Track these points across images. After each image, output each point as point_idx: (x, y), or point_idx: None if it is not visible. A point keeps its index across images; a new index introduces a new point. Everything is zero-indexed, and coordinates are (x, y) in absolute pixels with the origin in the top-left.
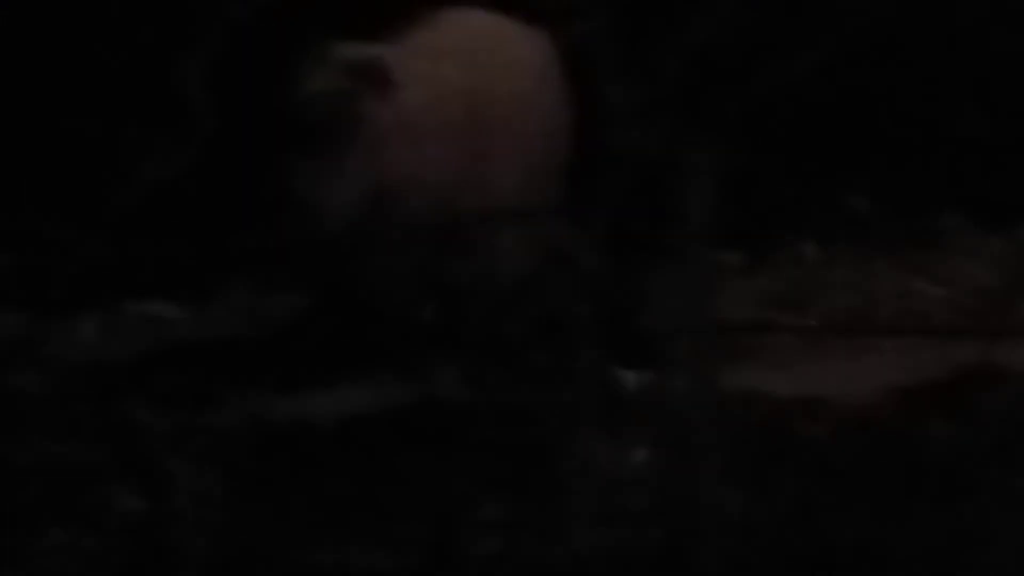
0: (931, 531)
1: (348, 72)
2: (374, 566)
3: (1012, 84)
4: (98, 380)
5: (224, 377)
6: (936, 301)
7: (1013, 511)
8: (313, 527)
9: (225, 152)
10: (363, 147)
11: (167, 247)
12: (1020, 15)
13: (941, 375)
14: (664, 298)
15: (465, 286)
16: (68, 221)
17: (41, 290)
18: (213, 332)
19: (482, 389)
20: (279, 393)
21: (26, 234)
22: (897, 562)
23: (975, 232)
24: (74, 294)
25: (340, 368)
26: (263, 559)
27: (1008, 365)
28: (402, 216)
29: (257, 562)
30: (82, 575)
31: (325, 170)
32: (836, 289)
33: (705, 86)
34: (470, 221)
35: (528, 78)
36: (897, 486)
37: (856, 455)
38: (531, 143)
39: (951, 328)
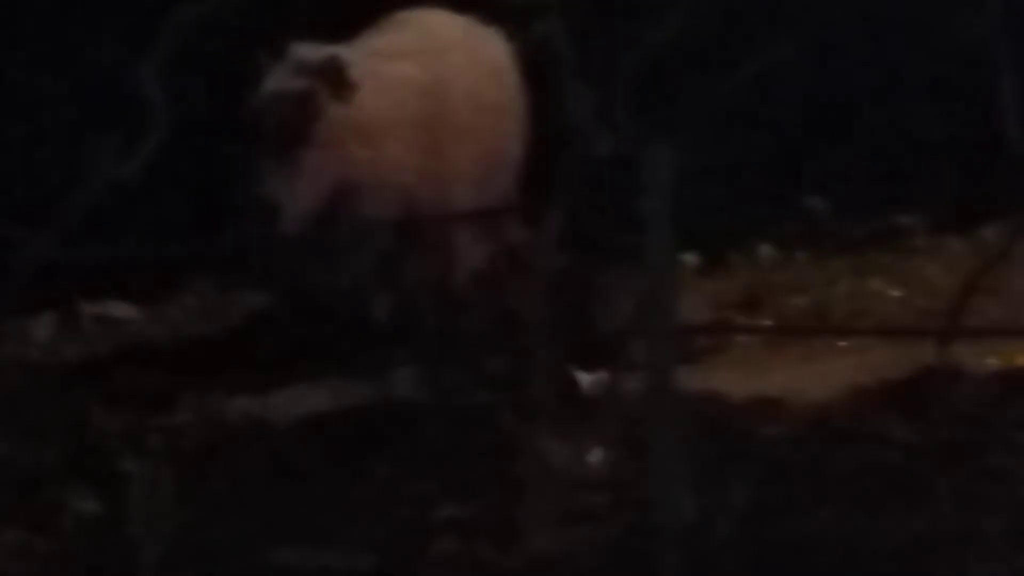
0: (889, 531)
1: (306, 72)
2: (330, 566)
3: (970, 84)
4: (52, 380)
5: (179, 377)
6: (893, 302)
7: (971, 511)
8: (269, 527)
9: (181, 152)
10: (321, 147)
11: (122, 247)
12: (979, 13)
13: (899, 375)
14: (621, 299)
15: (422, 286)
16: (22, 221)
17: None
18: (168, 332)
19: (439, 389)
20: (235, 393)
21: None
22: (855, 562)
23: (932, 233)
24: (28, 294)
25: (296, 368)
26: (219, 560)
27: (965, 365)
28: (359, 216)
29: (213, 563)
30: None
31: (282, 170)
32: (793, 290)
33: (663, 87)
34: (428, 221)
35: (487, 78)
36: (854, 486)
37: (813, 455)
38: (489, 143)
39: (909, 329)
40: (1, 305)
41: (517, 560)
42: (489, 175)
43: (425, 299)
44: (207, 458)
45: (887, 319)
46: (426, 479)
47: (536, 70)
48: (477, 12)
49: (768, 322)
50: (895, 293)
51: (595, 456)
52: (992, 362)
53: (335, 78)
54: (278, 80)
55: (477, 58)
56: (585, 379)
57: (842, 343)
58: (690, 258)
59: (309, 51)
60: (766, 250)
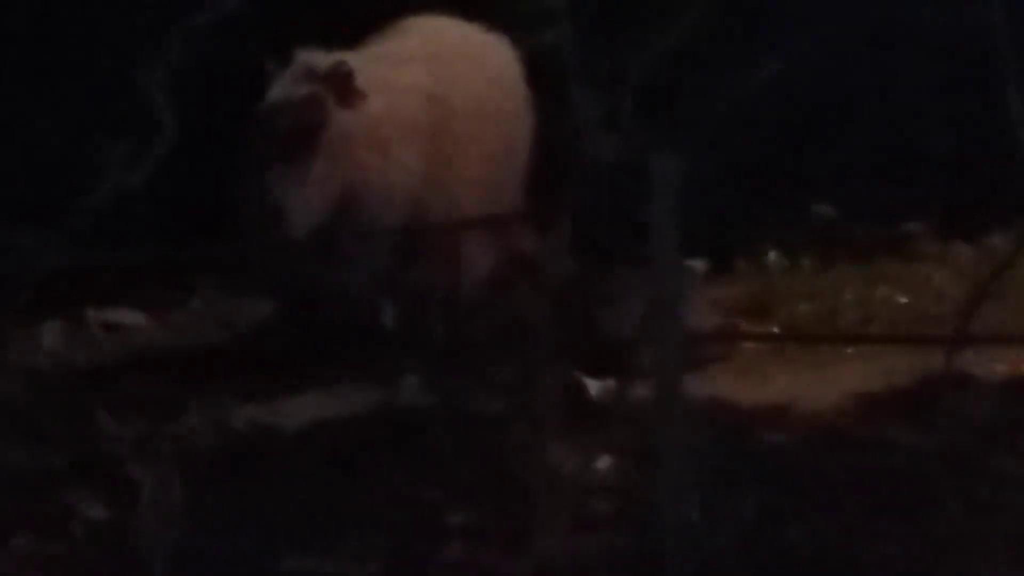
0: (895, 537)
1: (313, 78)
2: (337, 573)
3: (978, 92)
4: (62, 387)
5: (187, 384)
6: (901, 308)
7: (977, 518)
8: (277, 534)
9: (189, 159)
10: (328, 153)
11: (130, 254)
12: (986, 25)
13: (906, 382)
14: (629, 306)
15: (430, 293)
16: (32, 228)
17: (4, 297)
18: (177, 339)
19: (447, 396)
20: (243, 400)
21: None
22: (862, 568)
23: (940, 240)
24: (38, 301)
25: (304, 374)
26: (227, 566)
27: (972, 372)
28: (366, 222)
29: (221, 569)
30: None
31: (290, 176)
32: (801, 297)
33: (671, 94)
34: (435, 227)
35: (494, 85)
36: (861, 492)
37: (820, 462)
38: (496, 150)
39: (916, 336)
40: (10, 311)
41: (525, 566)
42: (496, 181)
43: (433, 306)
44: (215, 465)
45: (895, 326)
46: (434, 486)
47: (543, 76)
48: (484, 19)
49: (776, 329)
50: (903, 300)
51: (602, 463)
52: (1000, 369)
53: (342, 85)
54: (285, 87)
55: (484, 64)
56: (593, 386)
57: (850, 350)
58: (698, 264)
59: (316, 58)
60: (774, 257)
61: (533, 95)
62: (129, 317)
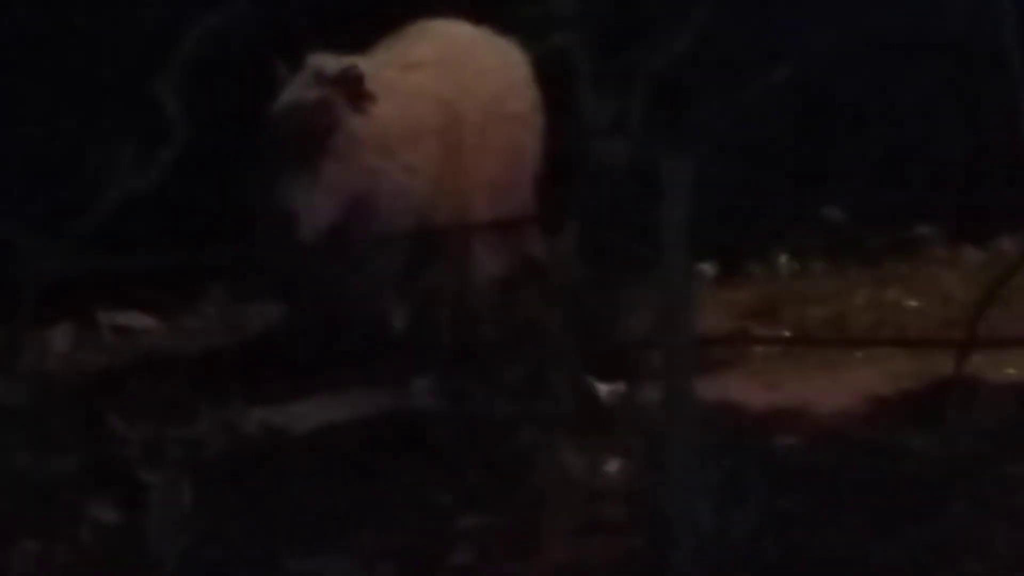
0: (906, 542)
1: (324, 82)
2: None
3: (988, 95)
4: (71, 390)
5: (198, 387)
6: (911, 312)
7: (987, 522)
8: (287, 537)
9: (199, 162)
10: (338, 157)
11: (140, 258)
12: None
13: (916, 386)
14: (638, 309)
15: (440, 296)
16: (42, 232)
17: (14, 301)
18: (187, 342)
19: (457, 400)
20: (253, 403)
21: None
22: (871, 572)
23: (950, 243)
24: (48, 305)
25: (315, 378)
26: (237, 569)
27: (983, 376)
28: (377, 226)
29: (231, 572)
30: None
31: (300, 180)
32: (811, 300)
33: (681, 97)
34: (445, 231)
35: (504, 88)
36: (872, 496)
37: (831, 465)
38: (506, 153)
39: (926, 339)
40: (20, 315)
41: (534, 570)
42: (507, 185)
43: (443, 309)
44: (225, 468)
45: (905, 329)
46: (444, 489)
47: (553, 80)
48: (493, 23)
49: (786, 332)
50: (913, 303)
51: (612, 466)
52: (1010, 372)
53: (353, 88)
54: (296, 91)
55: (494, 68)
56: (603, 389)
57: (859, 353)
58: (708, 268)
59: (327, 62)
60: (784, 260)
61: (543, 99)
62: (139, 320)
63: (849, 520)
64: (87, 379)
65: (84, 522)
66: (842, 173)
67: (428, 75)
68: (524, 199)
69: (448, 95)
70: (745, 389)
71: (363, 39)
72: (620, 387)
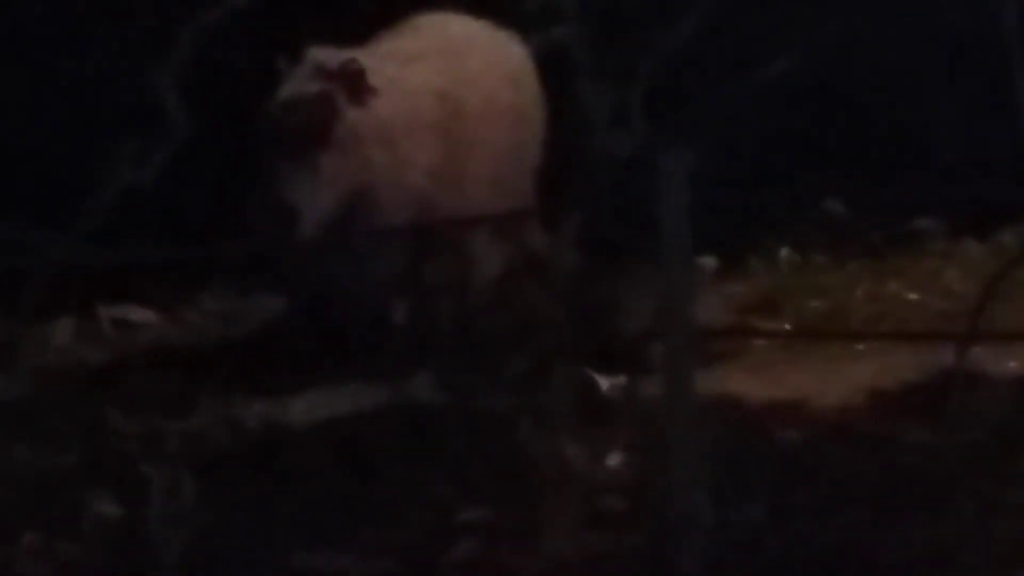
0: (907, 535)
1: (324, 76)
2: (349, 570)
3: (989, 88)
4: (72, 384)
5: (199, 381)
6: (912, 305)
7: (989, 515)
8: (287, 531)
9: (200, 156)
10: (338, 151)
11: (141, 251)
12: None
13: (917, 379)
14: (639, 303)
15: (440, 289)
16: (42, 225)
17: (15, 294)
18: (187, 336)
19: (457, 393)
20: (254, 397)
21: (0, 239)
22: (873, 566)
23: (951, 236)
24: (48, 298)
25: (315, 372)
26: (238, 563)
27: (983, 369)
28: (378, 219)
29: (232, 566)
30: None
31: (301, 173)
32: (812, 293)
33: (681, 91)
34: (445, 224)
35: (504, 81)
36: (873, 490)
37: (831, 459)
38: (507, 147)
39: (928, 332)
40: (21, 309)
41: (536, 564)
42: (507, 178)
43: (443, 303)
44: (226, 462)
45: (906, 323)
46: (445, 483)
47: (553, 73)
48: (494, 15)
49: (787, 326)
50: (914, 296)
51: (613, 459)
52: (1012, 365)
53: (353, 82)
54: (296, 84)
55: (494, 61)
56: (604, 383)
57: (861, 347)
58: (708, 261)
59: (327, 55)
60: (785, 253)
61: (544, 92)
62: (140, 314)
63: (851, 514)
64: (87, 373)
65: (85, 516)
66: (843, 166)
67: (428, 68)
68: (524, 192)
69: (449, 88)
70: (746, 382)
71: (363, 32)
72: (621, 380)
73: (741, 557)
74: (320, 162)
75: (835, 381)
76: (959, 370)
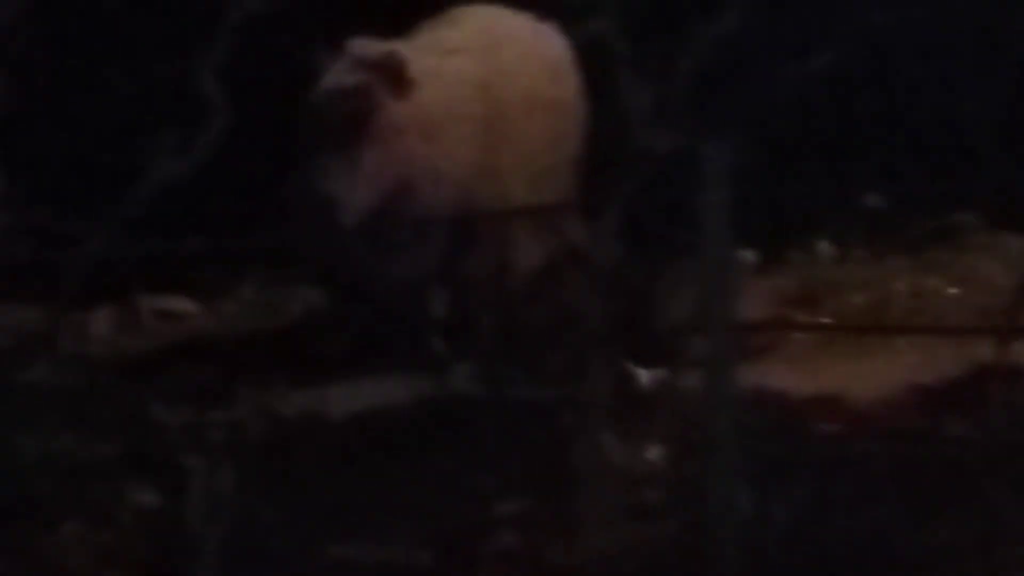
0: (947, 528)
1: (364, 68)
2: (388, 561)
3: None
4: (113, 375)
5: (238, 371)
6: (951, 299)
7: None
8: (327, 521)
9: (240, 148)
10: (379, 142)
11: (181, 242)
12: None
13: (956, 373)
14: (679, 296)
15: (480, 282)
16: (83, 216)
17: (56, 285)
18: (227, 327)
19: (497, 385)
20: (293, 387)
21: (42, 229)
22: (912, 559)
23: (990, 230)
24: (89, 289)
25: (354, 363)
26: (277, 553)
27: (1023, 363)
28: (417, 211)
29: (271, 556)
30: (96, 569)
31: (341, 165)
32: (851, 287)
33: (722, 84)
34: (485, 216)
35: (544, 74)
36: (912, 483)
37: (871, 452)
38: (547, 139)
39: (967, 327)
40: (61, 299)
41: (575, 556)
42: (547, 170)
43: (483, 294)
44: (266, 452)
45: (945, 317)
46: (484, 474)
47: (593, 65)
48: (534, 7)
49: (826, 319)
50: (953, 291)
51: (653, 452)
52: None
53: (393, 74)
54: (336, 76)
55: (534, 53)
56: (643, 375)
57: (900, 341)
58: (748, 254)
59: (367, 47)
60: (824, 247)
61: (584, 84)
62: (180, 304)
63: (889, 506)
64: (128, 363)
65: (124, 505)
66: (883, 160)
67: (469, 60)
68: (565, 184)
69: (489, 80)
70: (785, 376)
71: (404, 24)
72: (661, 373)
73: (780, 549)
74: (360, 154)
75: (874, 375)
76: (999, 364)
